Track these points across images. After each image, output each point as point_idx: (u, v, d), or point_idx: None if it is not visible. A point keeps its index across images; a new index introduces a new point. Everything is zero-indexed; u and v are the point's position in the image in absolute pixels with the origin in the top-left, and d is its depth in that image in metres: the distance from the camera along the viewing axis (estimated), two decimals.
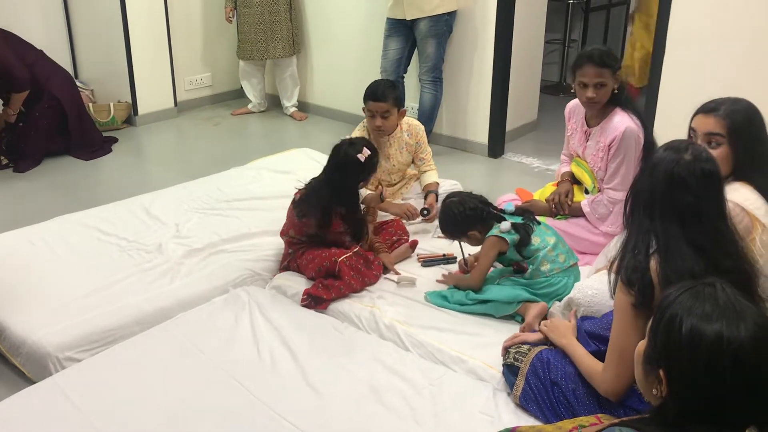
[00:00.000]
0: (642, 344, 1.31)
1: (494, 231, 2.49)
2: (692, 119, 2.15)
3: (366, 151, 2.68)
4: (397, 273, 2.74)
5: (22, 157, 4.41)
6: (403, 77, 4.62)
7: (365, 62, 5.14)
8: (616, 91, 2.78)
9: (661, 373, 1.21)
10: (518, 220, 2.52)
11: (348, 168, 2.69)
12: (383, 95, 3.08)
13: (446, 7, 4.36)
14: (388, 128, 3.16)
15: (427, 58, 4.48)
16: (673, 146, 1.73)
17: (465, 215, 2.54)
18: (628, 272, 1.69)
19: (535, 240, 2.47)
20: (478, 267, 2.53)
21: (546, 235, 2.50)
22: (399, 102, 3.16)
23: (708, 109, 2.12)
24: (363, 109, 3.18)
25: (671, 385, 1.20)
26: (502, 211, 2.56)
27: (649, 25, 5.11)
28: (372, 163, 2.73)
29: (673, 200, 1.67)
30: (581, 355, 1.92)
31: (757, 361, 1.14)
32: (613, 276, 1.78)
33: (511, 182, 4.18)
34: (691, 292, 1.22)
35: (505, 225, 2.47)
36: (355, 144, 2.72)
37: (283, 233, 2.84)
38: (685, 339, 1.17)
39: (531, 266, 2.47)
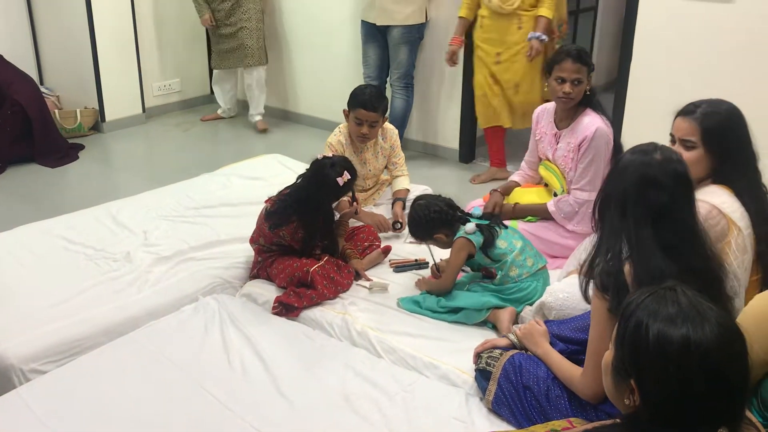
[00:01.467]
0: (609, 354, 1.31)
1: (460, 233, 2.50)
2: (674, 121, 2.16)
3: (346, 176, 2.66)
4: (368, 279, 2.73)
5: None
6: (386, 81, 4.63)
7: (336, 68, 5.14)
8: (587, 92, 2.80)
9: (633, 383, 1.21)
10: (484, 223, 2.53)
11: (325, 188, 2.68)
12: (374, 106, 3.05)
13: (416, 19, 4.41)
14: (372, 136, 3.16)
15: (399, 65, 4.50)
16: (641, 149, 1.74)
17: (430, 218, 2.55)
18: (602, 277, 1.69)
19: (502, 243, 2.47)
20: (448, 269, 2.54)
21: (513, 238, 2.51)
22: (385, 111, 3.18)
23: (685, 111, 2.13)
24: (344, 112, 3.17)
25: (644, 394, 1.20)
26: (469, 214, 2.57)
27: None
28: (349, 186, 2.71)
29: (645, 200, 1.68)
30: (558, 361, 1.93)
31: (724, 361, 1.15)
32: (584, 279, 1.78)
33: (482, 187, 4.20)
34: (653, 298, 1.22)
35: (470, 226, 2.48)
36: (335, 165, 2.68)
37: (253, 241, 2.81)
38: (653, 346, 1.17)
39: (500, 272, 2.47)
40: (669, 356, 1.16)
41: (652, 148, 1.74)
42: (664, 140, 2.16)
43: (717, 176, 2.08)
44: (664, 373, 1.16)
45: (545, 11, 3.98)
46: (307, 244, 2.69)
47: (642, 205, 1.68)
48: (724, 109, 2.11)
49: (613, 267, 1.67)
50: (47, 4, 5.17)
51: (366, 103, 3.04)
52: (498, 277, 2.48)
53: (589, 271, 1.75)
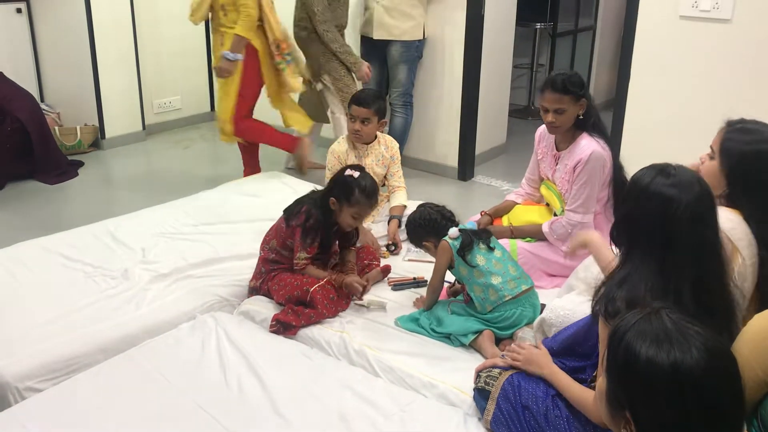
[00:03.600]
0: (602, 382, 1.30)
1: (445, 237, 2.51)
2: None
3: (356, 172, 2.69)
4: (360, 299, 2.70)
5: None
6: (385, 98, 4.65)
7: None
8: (581, 117, 2.80)
9: (628, 414, 1.20)
10: (470, 228, 2.53)
11: (338, 183, 2.70)
12: (367, 102, 3.22)
13: (413, 35, 4.43)
14: (365, 135, 3.27)
15: (398, 83, 4.53)
16: (682, 180, 1.69)
17: (418, 225, 2.62)
18: (609, 305, 1.67)
19: (480, 260, 2.46)
20: (433, 271, 2.57)
21: (493, 258, 2.47)
22: (380, 112, 3.28)
23: (725, 122, 2.11)
24: (346, 114, 3.34)
25: (639, 425, 1.19)
26: (463, 226, 2.57)
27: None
28: (361, 185, 2.65)
29: (696, 240, 1.66)
30: (567, 383, 1.89)
31: (715, 386, 1.14)
32: (595, 302, 1.76)
33: (481, 204, 4.19)
34: (640, 324, 1.22)
35: (453, 231, 2.50)
36: (356, 166, 2.77)
37: (264, 242, 2.80)
38: (643, 378, 1.17)
39: (473, 294, 2.45)
40: (659, 386, 1.15)
41: (692, 178, 1.69)
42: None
43: (728, 198, 2.03)
44: (656, 404, 1.15)
45: (238, 29, 3.90)
46: (319, 238, 2.69)
47: (691, 245, 1.65)
48: (758, 134, 2.04)
49: (630, 297, 1.64)
50: (49, 22, 5.21)
51: (358, 99, 3.24)
52: (476, 302, 2.45)
53: (605, 295, 1.73)
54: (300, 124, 4.34)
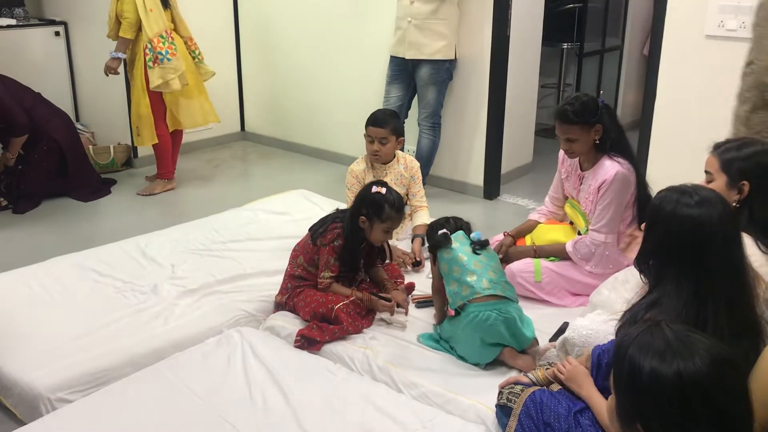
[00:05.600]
0: (612, 400, 1.31)
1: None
2: None
3: (382, 188, 2.72)
4: (406, 312, 2.73)
5: (21, 199, 4.45)
6: (403, 123, 4.69)
7: (366, 106, 5.21)
8: (597, 141, 2.80)
9: (639, 427, 1.21)
10: (464, 241, 2.56)
11: (365, 200, 2.73)
12: (383, 122, 3.27)
13: (444, 54, 4.44)
14: (384, 154, 3.31)
15: (427, 105, 4.53)
16: (698, 194, 1.70)
17: (429, 233, 2.72)
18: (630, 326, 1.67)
19: (461, 257, 2.49)
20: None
21: (475, 259, 2.50)
22: (397, 131, 3.33)
23: (714, 145, 2.13)
24: (364, 135, 3.35)
25: None
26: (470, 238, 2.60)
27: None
28: (389, 200, 2.69)
29: (728, 254, 1.66)
30: (600, 406, 1.86)
31: (721, 389, 1.15)
32: (619, 324, 1.76)
33: (507, 223, 4.20)
34: (641, 337, 1.23)
35: (439, 234, 2.59)
36: (380, 182, 2.81)
37: (292, 258, 2.85)
38: (649, 387, 1.18)
39: (449, 290, 2.47)
40: (666, 396, 1.16)
41: (713, 194, 1.69)
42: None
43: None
44: (665, 413, 1.16)
45: (120, 31, 4.50)
46: (345, 258, 2.73)
47: (724, 264, 1.65)
48: (753, 149, 2.06)
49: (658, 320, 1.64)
50: (85, 45, 5.36)
51: (374, 120, 3.29)
52: (449, 296, 2.48)
53: (630, 318, 1.72)
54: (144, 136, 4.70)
